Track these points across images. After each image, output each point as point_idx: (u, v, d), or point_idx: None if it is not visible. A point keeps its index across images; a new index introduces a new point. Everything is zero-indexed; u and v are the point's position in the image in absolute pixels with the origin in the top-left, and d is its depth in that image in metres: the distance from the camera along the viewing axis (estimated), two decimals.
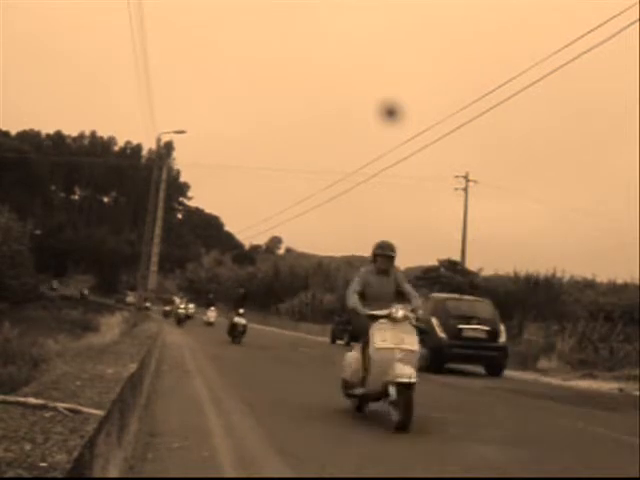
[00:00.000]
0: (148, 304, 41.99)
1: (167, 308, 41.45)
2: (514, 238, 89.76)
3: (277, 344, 21.50)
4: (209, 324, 29.18)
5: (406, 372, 5.57)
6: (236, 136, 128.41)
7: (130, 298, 51.53)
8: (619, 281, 28.38)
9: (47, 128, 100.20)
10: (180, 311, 30.53)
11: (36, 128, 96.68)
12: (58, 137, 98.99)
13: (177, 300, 32.83)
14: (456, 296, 15.93)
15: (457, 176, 36.42)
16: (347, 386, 6.42)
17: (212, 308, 30.49)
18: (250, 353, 15.90)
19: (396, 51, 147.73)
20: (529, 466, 4.55)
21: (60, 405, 2.37)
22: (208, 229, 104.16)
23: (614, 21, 13.08)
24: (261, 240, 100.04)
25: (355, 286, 6.39)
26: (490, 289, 24.66)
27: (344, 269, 56.56)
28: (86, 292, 68.73)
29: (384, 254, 6.47)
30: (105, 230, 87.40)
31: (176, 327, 27.53)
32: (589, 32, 13.72)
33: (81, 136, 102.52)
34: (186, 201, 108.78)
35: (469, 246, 35.34)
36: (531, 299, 24.77)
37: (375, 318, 5.98)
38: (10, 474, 1.51)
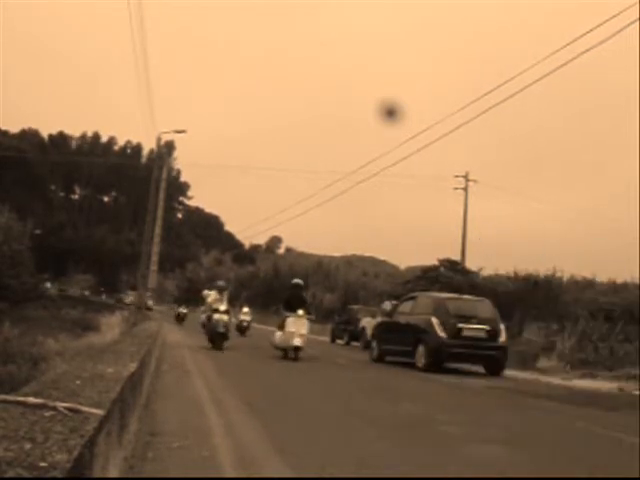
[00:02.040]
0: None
1: (182, 310, 33.16)
2: (514, 238, 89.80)
3: None
4: (295, 350, 13.94)
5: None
6: (236, 136, 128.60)
7: (130, 298, 50.79)
8: (619, 280, 28.37)
9: (47, 128, 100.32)
10: (219, 317, 15.44)
11: (36, 128, 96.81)
12: (58, 136, 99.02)
13: (211, 295, 16.65)
14: (456, 296, 15.90)
15: (457, 176, 36.42)
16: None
17: (300, 312, 14.24)
18: (250, 352, 15.91)
19: (396, 51, 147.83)
20: (529, 466, 4.55)
21: (60, 404, 2.36)
22: (208, 229, 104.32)
23: (614, 21, 13.11)
24: (261, 240, 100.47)
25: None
26: (490, 289, 24.60)
27: (344, 268, 56.66)
28: (71, 291, 68.13)
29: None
30: (105, 229, 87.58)
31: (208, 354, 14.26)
32: (589, 32, 13.75)
33: (82, 136, 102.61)
34: (186, 201, 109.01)
35: (469, 245, 35.33)
36: (531, 299, 24.74)
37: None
38: (10, 473, 1.50)
